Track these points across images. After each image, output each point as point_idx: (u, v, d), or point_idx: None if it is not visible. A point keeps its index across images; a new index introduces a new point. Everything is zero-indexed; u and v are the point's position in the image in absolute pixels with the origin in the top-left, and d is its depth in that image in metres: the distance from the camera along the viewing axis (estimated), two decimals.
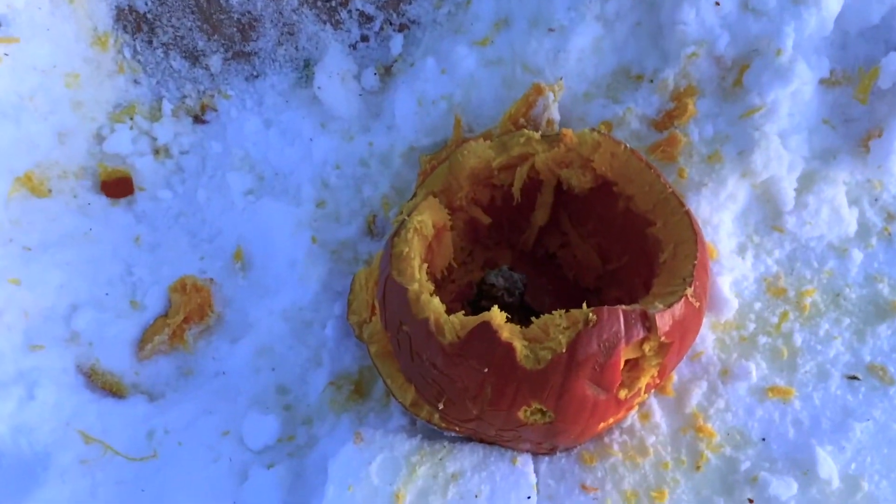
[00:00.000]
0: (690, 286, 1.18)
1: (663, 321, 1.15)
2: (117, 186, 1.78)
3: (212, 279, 1.67)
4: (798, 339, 1.41)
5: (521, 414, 1.18)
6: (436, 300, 1.21)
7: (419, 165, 1.67)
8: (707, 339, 1.41)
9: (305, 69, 1.85)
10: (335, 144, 1.77)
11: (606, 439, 1.35)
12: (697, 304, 1.20)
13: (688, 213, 1.27)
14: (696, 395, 1.37)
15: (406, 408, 1.33)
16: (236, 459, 1.47)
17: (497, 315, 1.16)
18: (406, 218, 1.34)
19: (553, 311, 1.17)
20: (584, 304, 1.15)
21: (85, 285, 1.63)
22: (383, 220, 1.69)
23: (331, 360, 1.57)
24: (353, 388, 1.55)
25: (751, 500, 1.28)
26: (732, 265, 1.44)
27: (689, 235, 1.25)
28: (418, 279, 1.25)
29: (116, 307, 1.63)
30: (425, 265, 1.29)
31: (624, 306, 1.15)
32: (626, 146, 1.33)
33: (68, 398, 1.50)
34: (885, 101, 1.49)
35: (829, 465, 1.29)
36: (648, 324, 1.14)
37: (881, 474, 1.29)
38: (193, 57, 1.86)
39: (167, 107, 1.84)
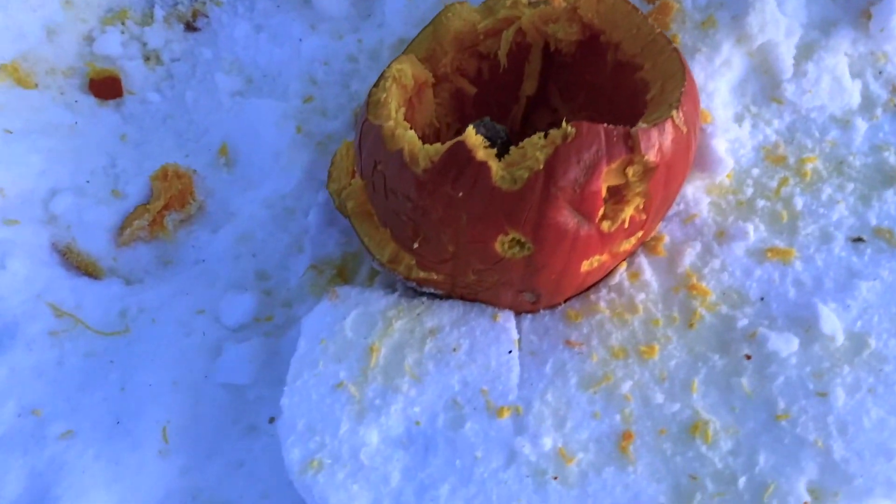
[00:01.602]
0: (677, 110, 1.12)
1: (647, 140, 1.08)
2: (106, 87, 1.76)
3: (195, 171, 1.63)
4: (799, 203, 1.33)
5: (497, 246, 1.12)
6: (410, 132, 1.16)
7: None
8: (702, 202, 1.34)
9: None
10: (324, 43, 1.74)
11: (593, 297, 1.28)
12: (685, 130, 1.14)
13: (675, 51, 1.21)
14: (690, 256, 1.30)
15: (384, 265, 1.27)
16: (210, 335, 1.42)
17: (472, 135, 1.10)
18: (385, 70, 1.30)
19: (535, 135, 1.11)
20: (565, 122, 1.09)
21: (66, 173, 1.60)
22: None
23: (312, 246, 1.52)
24: (336, 272, 1.49)
25: (748, 356, 1.20)
26: (727, 128, 1.38)
27: (677, 69, 1.19)
28: (394, 118, 1.21)
29: (97, 195, 1.60)
30: (403, 109, 1.24)
31: (606, 124, 1.09)
32: None
33: (41, 272, 1.45)
34: None
35: (832, 322, 1.20)
36: (632, 143, 1.08)
37: (889, 333, 1.20)
38: None
39: (159, 13, 1.83)
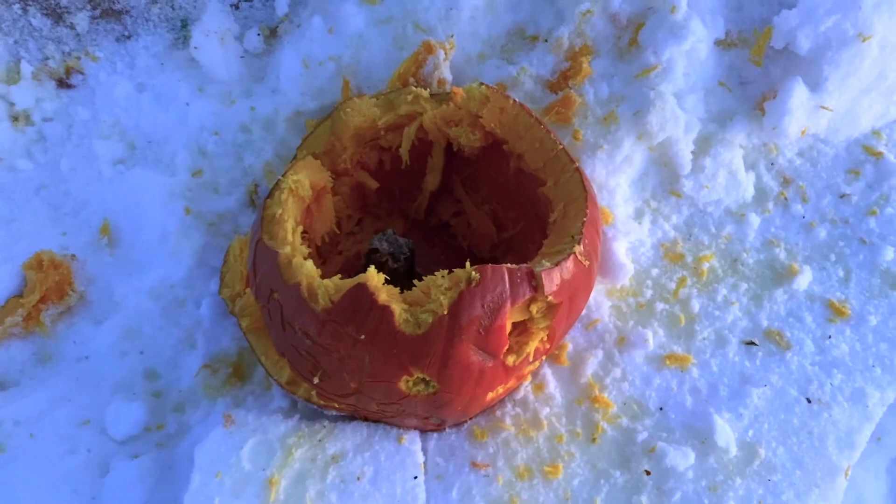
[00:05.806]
0: (580, 244, 1.11)
1: (551, 280, 1.07)
2: None
3: (73, 255, 1.51)
4: (696, 306, 1.36)
5: (402, 385, 1.09)
6: (309, 264, 1.11)
7: (306, 130, 1.56)
8: (603, 306, 1.35)
9: (182, 30, 1.71)
10: (214, 109, 1.63)
11: (499, 412, 1.27)
12: (587, 264, 1.13)
13: (578, 171, 1.20)
14: (592, 365, 1.30)
15: (282, 386, 1.21)
16: (96, 451, 1.33)
17: (374, 276, 1.06)
18: (280, 178, 1.23)
19: (436, 273, 1.08)
20: (468, 264, 1.06)
21: None
22: (266, 189, 1.57)
23: (206, 342, 1.44)
24: (231, 370, 1.42)
25: (647, 472, 1.22)
26: (629, 230, 1.39)
27: (580, 193, 1.18)
28: (290, 242, 1.14)
29: None
30: (300, 228, 1.18)
31: (509, 265, 1.07)
32: (514, 101, 1.25)
33: None
34: (779, 63, 1.47)
35: (726, 433, 1.24)
36: (535, 283, 1.07)
37: (777, 440, 1.25)
38: (56, 14, 1.69)
39: (27, 69, 1.67)
